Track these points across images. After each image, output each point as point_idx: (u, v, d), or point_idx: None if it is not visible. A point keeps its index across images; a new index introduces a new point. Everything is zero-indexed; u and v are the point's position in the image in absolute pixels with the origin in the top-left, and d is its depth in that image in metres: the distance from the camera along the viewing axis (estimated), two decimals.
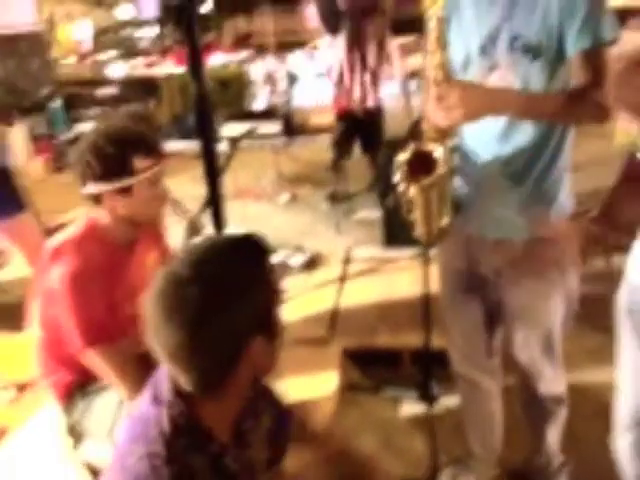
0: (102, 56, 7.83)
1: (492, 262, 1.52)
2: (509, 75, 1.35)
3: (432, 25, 1.26)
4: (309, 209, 4.27)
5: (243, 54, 7.70)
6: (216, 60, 7.04)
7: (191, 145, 3.48)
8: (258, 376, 0.98)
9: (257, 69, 3.78)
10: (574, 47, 1.30)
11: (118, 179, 1.41)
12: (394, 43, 3.64)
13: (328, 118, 3.94)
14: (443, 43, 1.26)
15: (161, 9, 7.97)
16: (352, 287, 2.84)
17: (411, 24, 2.25)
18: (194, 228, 2.84)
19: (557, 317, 1.53)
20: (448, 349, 1.77)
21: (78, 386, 1.58)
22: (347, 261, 3.06)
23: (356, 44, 3.68)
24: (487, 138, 1.43)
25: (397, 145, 1.67)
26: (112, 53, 7.98)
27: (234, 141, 3.14)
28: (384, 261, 3.04)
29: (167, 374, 0.96)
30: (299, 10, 7.87)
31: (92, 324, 1.42)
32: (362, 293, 2.77)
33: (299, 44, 7.42)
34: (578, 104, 1.30)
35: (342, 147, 3.79)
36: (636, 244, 1.31)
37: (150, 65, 7.56)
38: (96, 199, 1.46)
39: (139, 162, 1.41)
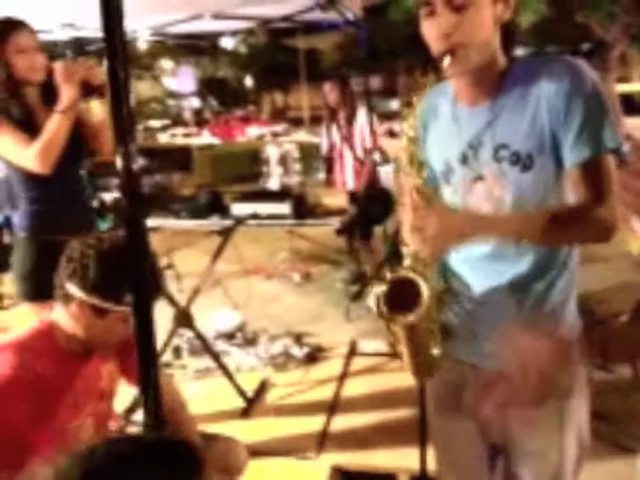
0: (149, 124, 8.11)
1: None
2: (496, 187, 1.19)
3: (404, 145, 1.16)
4: (321, 290, 4.11)
5: (279, 127, 7.88)
6: (252, 132, 7.24)
7: (202, 224, 3.43)
8: None
9: (271, 148, 3.75)
10: (571, 159, 1.13)
11: (104, 299, 1.33)
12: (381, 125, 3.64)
13: (341, 199, 3.84)
14: (417, 164, 1.15)
15: (198, 84, 8.33)
16: (350, 388, 2.63)
17: None
18: (183, 318, 2.67)
19: (569, 456, 1.29)
20: None
21: None
22: (348, 359, 2.85)
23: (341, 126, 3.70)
24: (476, 256, 1.25)
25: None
26: (156, 122, 8.30)
27: (238, 221, 3.05)
28: (388, 358, 2.81)
29: None
30: None
31: None
32: (360, 398, 2.55)
33: None
34: (577, 223, 1.12)
35: (349, 229, 3.66)
36: None
37: (187, 135, 7.82)
38: (66, 299, 1.37)
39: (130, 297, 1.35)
